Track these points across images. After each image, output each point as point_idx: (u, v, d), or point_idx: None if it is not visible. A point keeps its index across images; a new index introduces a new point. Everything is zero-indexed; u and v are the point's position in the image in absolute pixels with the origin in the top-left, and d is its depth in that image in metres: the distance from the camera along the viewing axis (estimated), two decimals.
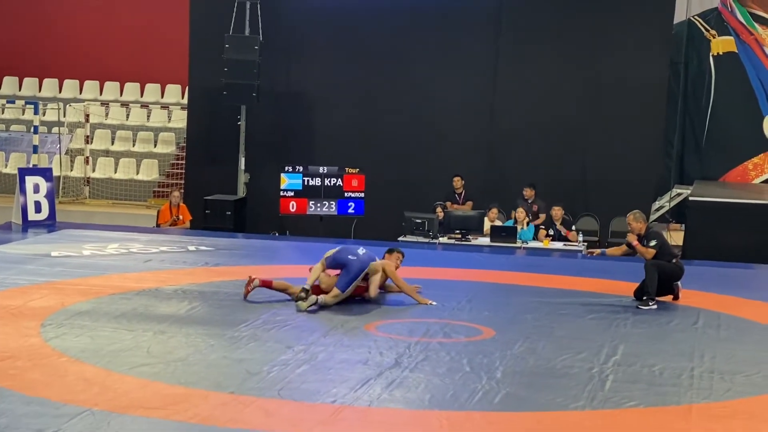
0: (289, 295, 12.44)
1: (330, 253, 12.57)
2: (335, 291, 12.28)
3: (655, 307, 12.76)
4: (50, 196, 18.23)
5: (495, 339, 10.94)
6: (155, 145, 25.52)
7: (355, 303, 12.43)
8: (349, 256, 12.44)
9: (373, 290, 12.52)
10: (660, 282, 12.95)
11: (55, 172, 24.43)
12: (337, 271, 12.43)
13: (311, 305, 12.03)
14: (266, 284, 12.55)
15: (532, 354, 10.36)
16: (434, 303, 12.64)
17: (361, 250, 12.58)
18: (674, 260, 13.23)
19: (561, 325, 11.76)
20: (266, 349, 10.20)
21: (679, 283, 13.26)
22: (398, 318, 11.92)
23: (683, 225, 20.17)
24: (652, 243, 13.05)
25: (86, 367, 9.34)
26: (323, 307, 12.12)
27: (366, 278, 12.51)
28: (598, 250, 14.31)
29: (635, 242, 13.10)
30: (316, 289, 12.33)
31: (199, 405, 8.37)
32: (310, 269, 12.54)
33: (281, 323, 11.28)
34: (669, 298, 13.19)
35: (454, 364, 9.87)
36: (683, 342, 11.09)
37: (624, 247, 13.59)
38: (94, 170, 25.12)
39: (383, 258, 12.89)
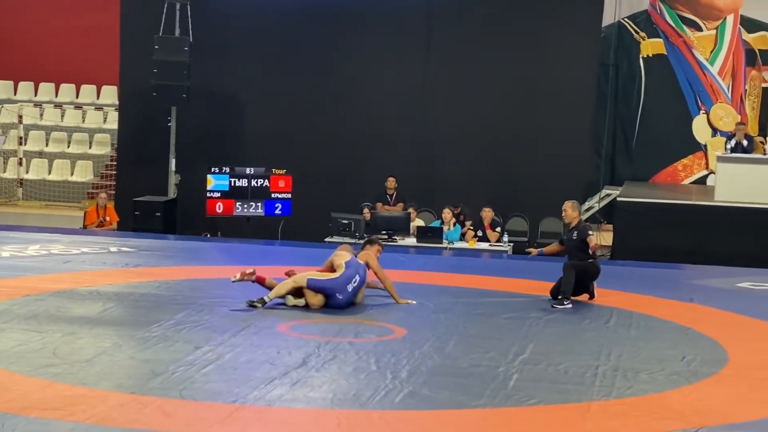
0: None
1: (313, 275, 12.36)
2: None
3: (570, 306, 12.86)
4: None
5: (405, 338, 10.98)
6: (90, 147, 25.40)
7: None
8: (338, 295, 12.23)
9: (381, 277, 12.70)
10: (577, 281, 13.06)
11: None
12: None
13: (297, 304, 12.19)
14: (260, 280, 12.47)
15: (440, 353, 10.41)
16: (414, 302, 12.74)
17: (351, 286, 12.32)
18: (591, 260, 13.34)
19: (473, 324, 11.83)
20: (174, 349, 10.17)
21: (594, 282, 13.37)
22: (313, 318, 11.94)
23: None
24: (591, 233, 13.19)
25: None
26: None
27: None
28: (536, 250, 14.29)
29: (595, 247, 13.16)
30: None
31: (97, 406, 8.33)
32: (287, 273, 12.52)
33: (193, 323, 11.25)
34: (585, 297, 13.31)
35: (362, 363, 9.89)
36: (592, 341, 11.19)
37: (556, 245, 13.69)
38: (27, 172, 24.96)
39: (363, 249, 12.88)
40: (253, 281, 12.45)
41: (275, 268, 13.74)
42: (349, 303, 12.35)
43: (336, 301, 12.26)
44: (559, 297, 12.98)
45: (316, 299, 12.30)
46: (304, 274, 12.41)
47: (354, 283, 12.37)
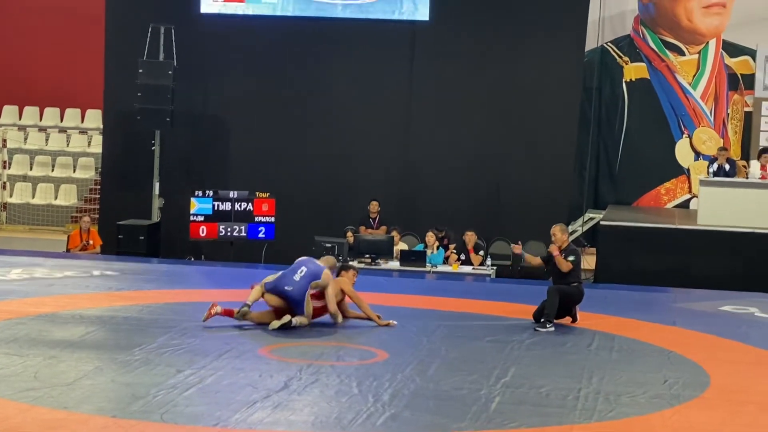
0: (251, 321, 12.45)
1: (270, 278, 12.58)
2: (303, 319, 12.41)
3: (552, 329, 12.88)
4: None
5: (387, 362, 10.98)
6: (74, 170, 25.36)
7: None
8: (286, 287, 12.44)
9: (331, 306, 12.59)
10: (560, 304, 13.09)
11: None
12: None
13: (284, 324, 12.19)
14: (227, 313, 12.47)
15: (422, 376, 10.41)
16: (395, 323, 12.81)
17: (298, 276, 12.48)
18: (576, 283, 13.36)
19: (456, 347, 11.84)
20: (156, 372, 10.17)
21: (577, 306, 13.40)
22: (295, 341, 11.94)
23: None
24: (571, 258, 13.25)
25: None
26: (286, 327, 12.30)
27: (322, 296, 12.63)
28: (520, 248, 13.99)
29: (556, 252, 13.22)
30: (278, 312, 12.41)
31: (78, 429, 8.33)
32: (252, 287, 12.59)
33: (175, 347, 11.25)
34: (567, 320, 13.33)
35: (343, 386, 9.89)
36: (574, 364, 11.21)
37: (539, 259, 13.73)
38: (11, 195, 24.91)
39: (338, 275, 12.91)
40: (221, 315, 12.45)
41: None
42: (302, 293, 12.37)
43: (287, 294, 12.39)
44: (542, 320, 13.00)
45: (274, 299, 12.47)
46: (264, 279, 12.56)
47: (301, 273, 12.47)
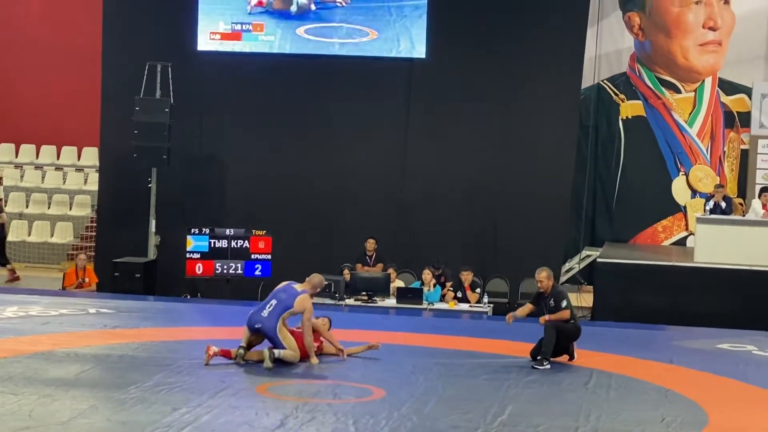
0: (251, 360, 12.43)
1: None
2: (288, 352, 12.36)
3: (549, 367, 12.84)
4: None
5: (384, 400, 10.93)
6: (70, 208, 25.36)
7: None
8: (256, 326, 12.43)
9: (306, 337, 12.49)
10: (557, 341, 13.06)
11: None
12: None
13: (270, 359, 12.17)
14: (225, 353, 12.43)
15: (419, 414, 10.35)
16: (379, 345, 12.96)
17: (266, 312, 12.45)
18: (573, 321, 13.34)
19: (452, 385, 11.78)
20: (152, 411, 10.11)
21: (574, 343, 13.37)
22: (291, 379, 11.90)
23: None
24: (564, 304, 13.18)
25: None
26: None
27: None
28: (511, 318, 13.76)
29: (547, 318, 13.10)
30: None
31: None
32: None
33: (171, 385, 11.19)
34: (565, 358, 13.28)
35: (339, 425, 9.84)
36: (571, 402, 11.16)
37: (529, 306, 13.64)
38: (8, 233, 24.85)
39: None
40: (219, 355, 12.40)
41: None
42: (272, 329, 12.31)
43: (259, 332, 12.40)
44: (539, 357, 12.96)
45: (253, 337, 12.51)
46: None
47: (269, 308, 12.40)
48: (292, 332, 12.56)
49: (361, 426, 9.80)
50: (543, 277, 13.31)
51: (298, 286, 12.77)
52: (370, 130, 21.10)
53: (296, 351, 12.44)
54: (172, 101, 20.47)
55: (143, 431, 9.35)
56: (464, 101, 20.95)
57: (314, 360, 12.62)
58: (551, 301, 13.25)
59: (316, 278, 13.00)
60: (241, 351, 12.37)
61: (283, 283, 12.90)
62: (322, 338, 12.96)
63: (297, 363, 12.46)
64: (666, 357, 14.06)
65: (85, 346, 13.13)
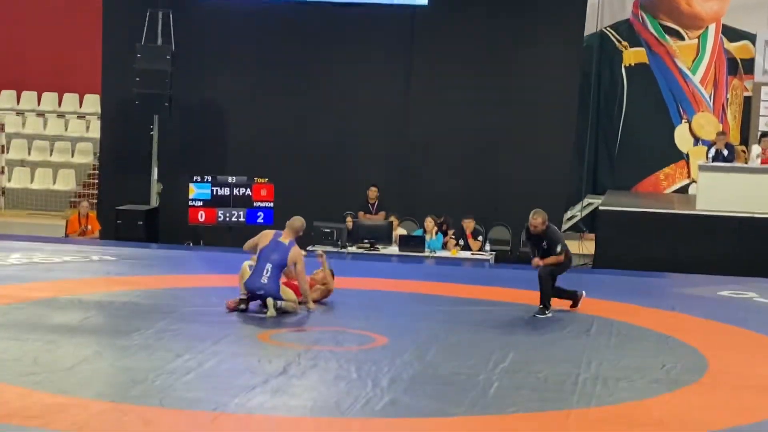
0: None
1: (245, 273, 12.52)
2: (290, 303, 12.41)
3: (550, 315, 12.86)
4: None
5: (386, 347, 10.99)
6: (72, 155, 25.34)
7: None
8: (258, 292, 12.37)
9: (302, 284, 12.52)
10: (553, 281, 13.02)
11: None
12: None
13: (273, 309, 12.21)
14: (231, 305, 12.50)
15: (421, 361, 10.41)
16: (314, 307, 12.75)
17: (265, 278, 12.31)
18: (568, 259, 13.19)
19: (454, 332, 11.84)
20: (155, 357, 10.17)
21: (584, 292, 13.31)
22: (294, 326, 11.96)
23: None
24: (559, 248, 12.99)
25: None
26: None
27: None
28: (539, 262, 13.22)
29: (541, 263, 12.97)
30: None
31: (78, 414, 8.32)
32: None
33: (174, 332, 11.25)
34: (567, 304, 13.28)
35: (342, 371, 9.89)
36: (573, 349, 11.21)
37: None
38: (9, 180, 24.90)
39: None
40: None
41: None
42: (275, 291, 12.28)
43: (263, 296, 12.33)
44: (540, 307, 12.93)
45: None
46: (246, 265, 12.60)
47: (266, 273, 12.31)
48: (288, 284, 12.59)
49: (363, 373, 9.84)
50: (538, 222, 12.97)
51: (283, 238, 12.61)
52: (372, 78, 21.03)
53: (296, 302, 12.50)
54: (173, 48, 20.42)
55: (146, 377, 9.40)
56: (466, 49, 20.85)
57: (312, 306, 12.68)
58: (544, 244, 13.03)
59: (297, 222, 12.87)
60: (243, 306, 12.38)
61: (267, 237, 12.64)
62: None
63: (297, 311, 12.52)
64: (667, 304, 14.11)
65: (88, 292, 13.19)
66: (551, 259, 13.00)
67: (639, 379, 10.00)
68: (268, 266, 12.40)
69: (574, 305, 13.34)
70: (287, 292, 12.46)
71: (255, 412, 8.58)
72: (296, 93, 21.10)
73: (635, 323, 12.67)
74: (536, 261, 13.06)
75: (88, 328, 11.42)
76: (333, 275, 13.35)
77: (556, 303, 13.18)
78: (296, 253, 12.56)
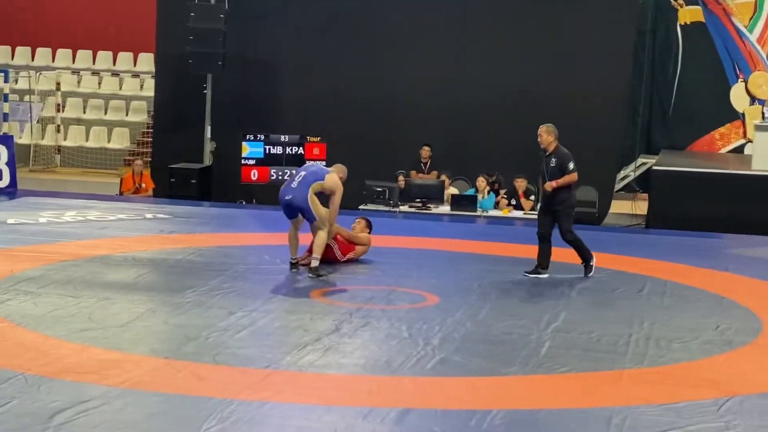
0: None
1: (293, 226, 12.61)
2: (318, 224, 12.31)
3: (546, 276, 12.62)
4: (11, 164, 18.24)
5: (438, 306, 11.00)
6: (127, 114, 25.51)
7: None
8: (286, 198, 12.29)
9: (332, 213, 12.43)
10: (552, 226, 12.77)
11: (26, 141, 24.58)
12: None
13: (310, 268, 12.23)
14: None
15: (473, 320, 10.43)
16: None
17: (296, 183, 12.25)
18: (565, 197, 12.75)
19: (506, 292, 11.84)
20: (208, 315, 10.25)
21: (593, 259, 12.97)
22: (345, 285, 12.00)
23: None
24: (571, 166, 12.54)
25: (25, 333, 9.39)
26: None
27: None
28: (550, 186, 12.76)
29: (555, 185, 12.55)
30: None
31: (131, 370, 8.41)
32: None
33: (227, 290, 11.32)
34: (578, 260, 12.92)
35: (393, 330, 9.93)
36: (625, 309, 11.18)
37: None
38: (65, 138, 25.13)
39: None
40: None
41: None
42: (303, 198, 12.12)
43: (289, 204, 12.26)
44: (585, 265, 12.82)
45: (291, 230, 12.56)
46: (292, 227, 12.65)
47: (299, 178, 12.29)
48: (334, 238, 12.62)
49: (414, 331, 9.87)
50: (542, 131, 12.55)
51: (328, 168, 12.68)
52: (425, 37, 20.92)
53: (325, 221, 12.30)
54: (226, 7, 20.43)
55: (200, 334, 9.48)
56: (521, 7, 20.71)
57: (344, 232, 12.91)
58: (552, 161, 12.57)
59: (342, 166, 12.82)
60: (295, 264, 12.45)
61: (307, 164, 12.79)
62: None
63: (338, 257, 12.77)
64: (722, 265, 14.01)
65: (142, 250, 13.29)
66: (566, 179, 12.52)
67: (692, 340, 9.96)
68: (303, 173, 12.39)
69: (588, 271, 12.88)
70: (319, 209, 12.25)
71: (306, 370, 8.62)
72: (349, 52, 21.04)
73: (688, 284, 12.60)
74: (549, 184, 12.54)
75: (142, 285, 11.52)
76: (371, 226, 13.47)
77: (600, 261, 13.06)
78: (336, 181, 12.39)
